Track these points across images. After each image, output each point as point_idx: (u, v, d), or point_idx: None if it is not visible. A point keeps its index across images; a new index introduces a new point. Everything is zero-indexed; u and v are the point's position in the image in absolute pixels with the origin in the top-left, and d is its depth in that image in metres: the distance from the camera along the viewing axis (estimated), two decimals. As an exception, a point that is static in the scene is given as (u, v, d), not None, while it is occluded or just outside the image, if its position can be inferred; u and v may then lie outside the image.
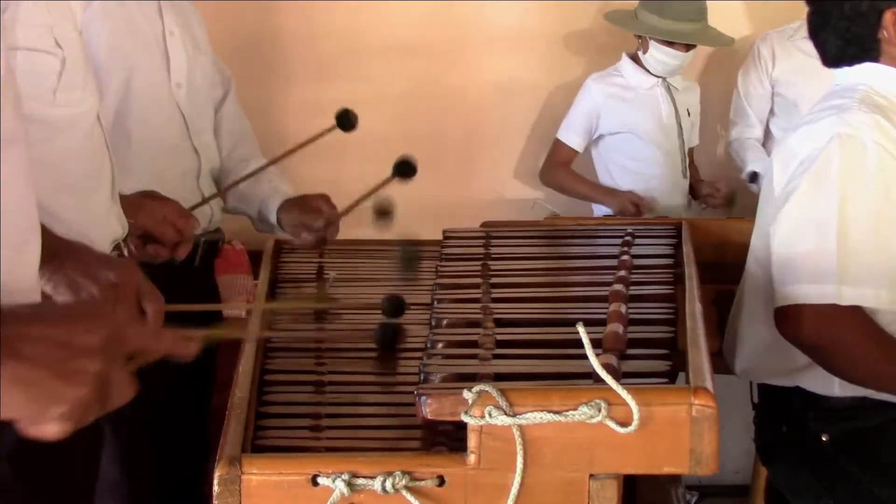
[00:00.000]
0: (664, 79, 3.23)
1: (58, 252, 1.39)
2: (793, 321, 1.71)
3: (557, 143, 3.31)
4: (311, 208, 2.16)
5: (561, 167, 3.31)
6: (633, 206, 3.09)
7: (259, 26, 3.41)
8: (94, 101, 1.65)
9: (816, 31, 1.86)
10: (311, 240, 2.11)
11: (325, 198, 2.20)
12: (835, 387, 1.78)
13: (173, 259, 1.89)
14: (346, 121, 2.29)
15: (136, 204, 1.84)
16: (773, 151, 1.88)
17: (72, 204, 1.56)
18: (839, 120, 1.73)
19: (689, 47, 3.15)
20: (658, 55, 3.15)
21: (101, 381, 0.90)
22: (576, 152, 3.30)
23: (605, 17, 3.27)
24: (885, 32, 1.77)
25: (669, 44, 3.13)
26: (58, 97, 1.54)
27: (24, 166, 1.07)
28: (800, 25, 3.25)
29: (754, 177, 3.18)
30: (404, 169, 2.18)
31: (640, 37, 3.21)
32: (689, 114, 3.29)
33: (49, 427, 0.90)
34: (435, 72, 3.49)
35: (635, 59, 3.24)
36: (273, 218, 2.24)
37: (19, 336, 0.86)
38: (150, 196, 1.92)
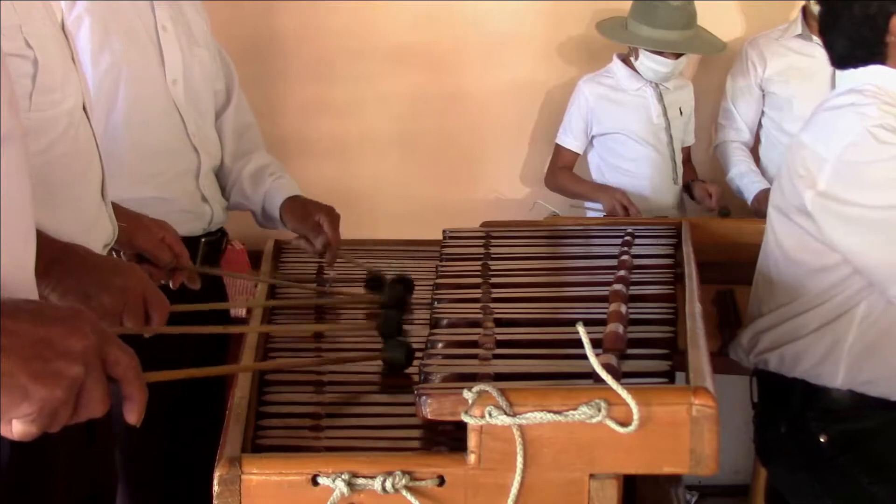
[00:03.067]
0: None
1: (61, 258, 1.38)
2: None
3: (557, 148, 3.34)
4: (312, 223, 2.07)
5: (562, 171, 3.33)
6: (621, 208, 3.10)
7: (259, 26, 3.41)
8: (77, 97, 1.57)
9: (826, 31, 1.87)
10: (308, 249, 2.08)
11: (328, 213, 2.08)
12: (838, 378, 1.78)
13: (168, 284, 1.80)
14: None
15: (133, 222, 1.76)
16: (787, 153, 1.88)
17: (56, 211, 1.48)
18: (861, 116, 1.73)
19: (679, 55, 3.17)
20: (648, 63, 3.17)
21: (76, 388, 0.89)
22: (576, 155, 3.33)
23: (596, 28, 3.28)
24: (892, 36, 1.77)
25: (659, 52, 3.14)
26: (34, 101, 1.47)
27: (21, 164, 1.07)
28: (787, 26, 3.27)
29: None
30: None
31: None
32: (681, 113, 3.30)
33: (14, 426, 0.89)
34: (435, 72, 3.49)
35: (626, 60, 3.25)
36: (277, 214, 2.19)
37: (3, 329, 0.85)
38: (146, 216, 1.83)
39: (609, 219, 2.95)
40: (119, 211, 1.73)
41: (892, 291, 1.73)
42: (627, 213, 3.08)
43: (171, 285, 1.78)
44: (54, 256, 1.36)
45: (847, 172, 1.72)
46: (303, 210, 2.13)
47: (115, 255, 1.73)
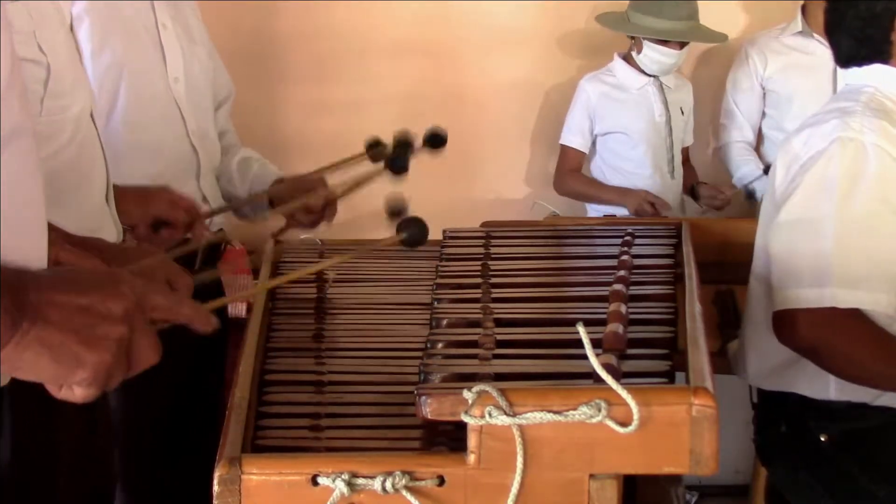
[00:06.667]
0: (656, 78, 3.23)
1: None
2: (790, 325, 1.71)
3: (563, 150, 3.31)
4: (308, 188, 2.10)
5: (571, 174, 3.30)
6: (649, 206, 3.07)
7: (259, 26, 3.41)
8: (85, 101, 1.59)
9: (831, 30, 1.87)
10: (303, 221, 2.09)
11: (321, 180, 2.13)
12: (831, 391, 1.79)
13: (187, 241, 1.87)
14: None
15: (141, 194, 1.82)
16: (777, 154, 1.88)
17: (62, 214, 1.46)
18: (841, 123, 1.73)
19: (682, 46, 3.16)
20: (652, 55, 3.16)
21: (124, 347, 0.94)
22: (583, 154, 3.30)
23: (597, 21, 3.27)
24: None
25: (664, 43, 3.14)
26: (45, 106, 1.49)
27: (32, 157, 1.08)
28: (787, 25, 3.27)
29: (752, 194, 3.18)
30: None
31: (633, 38, 3.22)
32: (682, 112, 3.29)
33: (75, 391, 0.94)
34: (435, 71, 3.49)
35: (627, 59, 3.25)
36: (265, 197, 2.21)
37: (47, 301, 0.89)
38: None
39: (609, 219, 2.94)
40: (122, 188, 1.77)
41: (779, 294, 1.72)
42: (657, 211, 3.05)
43: (193, 239, 1.85)
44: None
45: (810, 171, 1.73)
46: (294, 182, 2.17)
47: (129, 233, 1.80)
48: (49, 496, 1.32)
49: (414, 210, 2.14)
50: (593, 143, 3.31)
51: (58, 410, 1.30)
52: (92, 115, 1.62)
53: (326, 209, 2.07)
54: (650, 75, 3.23)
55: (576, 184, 3.29)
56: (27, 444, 1.23)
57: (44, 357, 0.90)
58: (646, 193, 3.12)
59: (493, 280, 1.70)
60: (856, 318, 1.68)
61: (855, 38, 1.82)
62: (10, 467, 1.22)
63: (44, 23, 1.48)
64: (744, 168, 3.27)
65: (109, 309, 0.92)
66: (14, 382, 1.20)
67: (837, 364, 1.71)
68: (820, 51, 3.08)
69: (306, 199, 2.06)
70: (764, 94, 3.31)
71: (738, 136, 3.33)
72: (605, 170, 3.29)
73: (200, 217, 1.88)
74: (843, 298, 1.66)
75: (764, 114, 3.33)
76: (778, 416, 1.90)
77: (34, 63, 1.46)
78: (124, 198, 1.76)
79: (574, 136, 3.28)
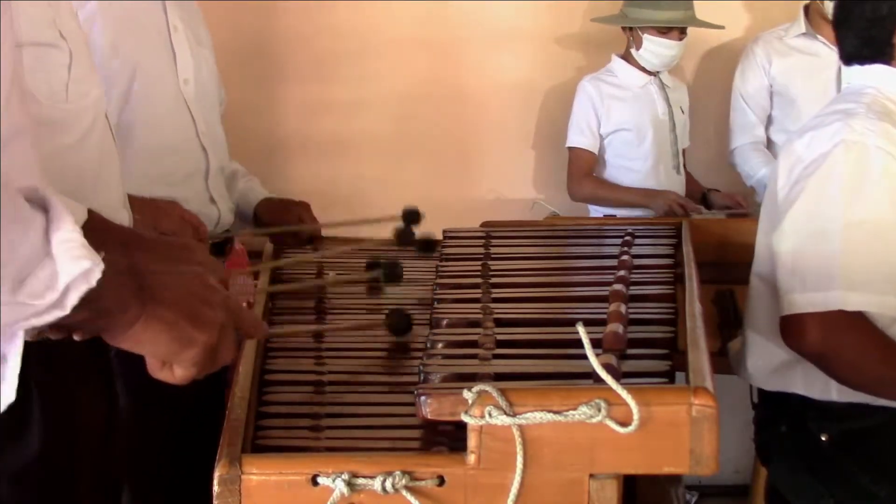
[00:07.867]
0: (656, 76, 3.23)
1: (132, 242, 1.40)
2: (798, 330, 1.70)
3: (573, 152, 3.24)
4: (292, 217, 2.16)
5: (586, 177, 3.22)
6: (679, 208, 2.97)
7: (259, 26, 3.41)
8: (99, 92, 1.59)
9: (838, 26, 1.89)
10: (293, 245, 2.14)
11: (305, 207, 2.18)
12: (832, 392, 1.79)
13: None
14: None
15: (151, 205, 1.83)
16: (780, 155, 1.88)
17: (88, 202, 1.44)
18: (844, 126, 1.73)
19: (681, 37, 3.15)
20: (653, 47, 3.15)
21: (221, 334, 1.00)
22: (593, 156, 3.23)
23: (593, 21, 3.27)
24: None
25: (664, 34, 3.13)
26: (70, 91, 1.49)
27: (33, 157, 1.08)
28: (790, 26, 3.25)
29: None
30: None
31: (631, 35, 3.21)
32: (682, 111, 3.29)
33: (177, 371, 0.99)
34: (435, 71, 3.49)
35: (626, 58, 3.24)
36: (251, 212, 2.29)
37: (161, 284, 0.97)
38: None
39: (609, 219, 2.93)
40: (132, 197, 1.76)
41: (787, 299, 1.72)
42: (686, 213, 2.94)
43: None
44: (123, 240, 1.38)
45: (814, 174, 1.73)
46: (280, 207, 2.25)
47: None
48: (69, 487, 1.33)
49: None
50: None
51: (82, 406, 1.33)
52: (105, 115, 1.63)
53: (314, 243, 2.11)
54: (651, 73, 3.23)
55: (595, 188, 3.20)
56: (53, 437, 1.24)
57: (163, 334, 0.95)
58: (675, 195, 3.04)
59: (493, 280, 1.70)
60: (862, 322, 1.68)
61: (859, 38, 1.82)
62: (37, 460, 1.24)
63: (60, 10, 1.50)
64: (763, 170, 3.15)
65: (212, 296, 1.00)
66: (41, 379, 1.23)
67: (843, 369, 1.71)
68: (824, 52, 3.07)
69: (295, 228, 2.13)
70: (771, 92, 3.27)
71: (750, 137, 3.27)
72: (613, 172, 3.26)
73: (206, 236, 1.89)
74: (851, 301, 1.66)
75: (770, 117, 3.31)
76: (778, 416, 1.90)
77: (57, 49, 1.46)
78: (134, 207, 1.76)
79: (582, 137, 3.22)
